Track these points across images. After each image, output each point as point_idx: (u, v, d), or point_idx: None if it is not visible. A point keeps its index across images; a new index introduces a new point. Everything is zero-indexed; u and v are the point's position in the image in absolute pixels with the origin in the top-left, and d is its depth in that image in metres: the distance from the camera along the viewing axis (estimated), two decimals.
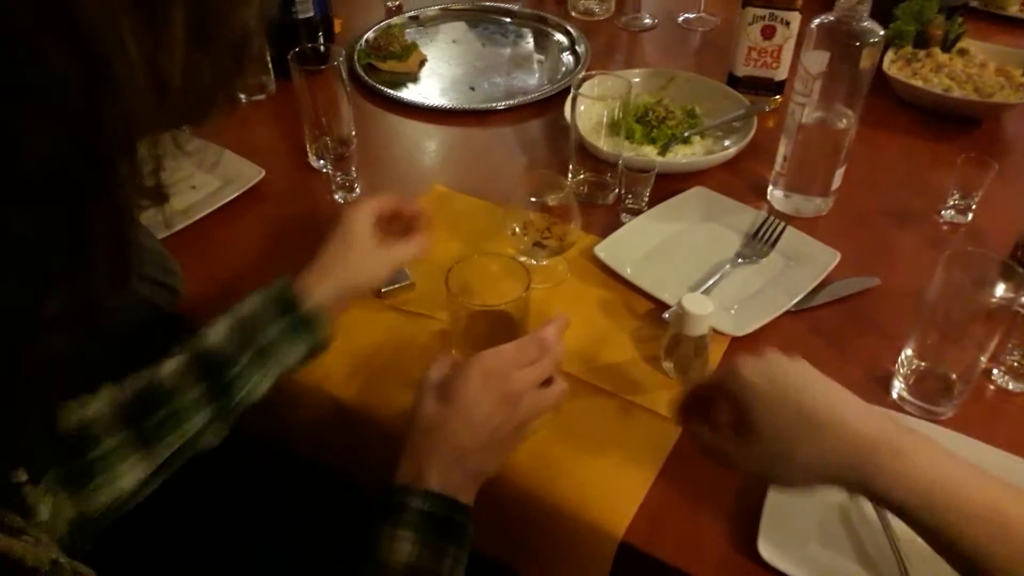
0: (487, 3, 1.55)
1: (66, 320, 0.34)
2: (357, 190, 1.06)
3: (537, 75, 1.35)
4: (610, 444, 0.74)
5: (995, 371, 0.82)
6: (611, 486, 0.70)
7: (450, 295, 0.79)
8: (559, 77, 1.33)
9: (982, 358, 0.76)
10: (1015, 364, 0.81)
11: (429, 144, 1.20)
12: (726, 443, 0.60)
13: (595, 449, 0.73)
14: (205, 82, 0.35)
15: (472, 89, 1.31)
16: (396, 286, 0.91)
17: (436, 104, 1.26)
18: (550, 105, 1.24)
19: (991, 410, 0.79)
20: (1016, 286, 0.74)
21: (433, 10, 1.52)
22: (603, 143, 1.04)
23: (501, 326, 0.80)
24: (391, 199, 0.84)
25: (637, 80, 1.21)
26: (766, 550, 0.64)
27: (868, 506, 0.68)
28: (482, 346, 0.78)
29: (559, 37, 1.46)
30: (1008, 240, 0.91)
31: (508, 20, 1.52)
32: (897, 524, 0.58)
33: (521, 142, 1.18)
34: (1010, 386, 0.81)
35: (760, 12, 1.19)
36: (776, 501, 0.67)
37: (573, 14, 1.52)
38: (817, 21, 0.97)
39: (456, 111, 1.24)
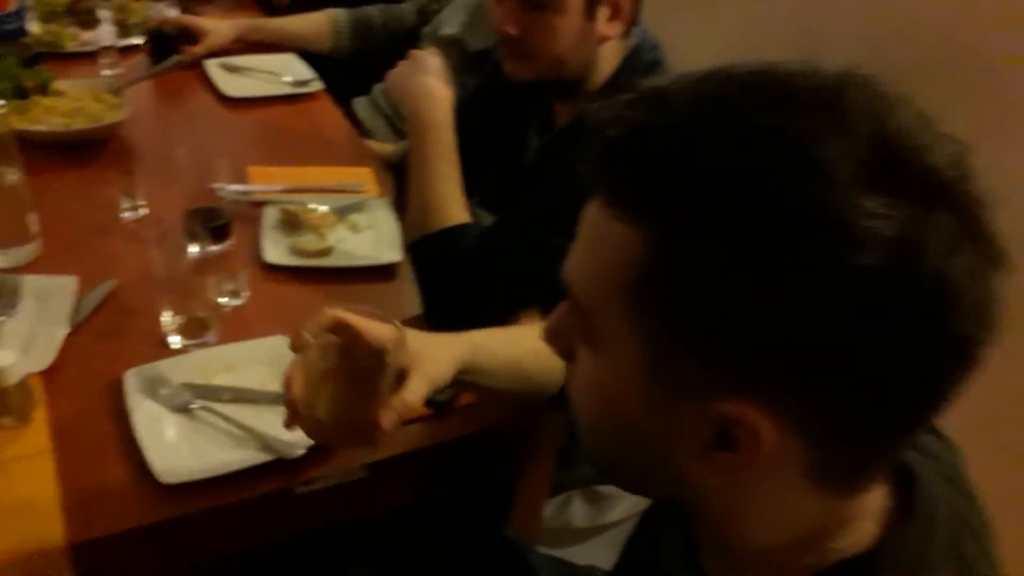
0: None
1: None
2: None
3: None
4: None
5: (222, 298, 1.18)
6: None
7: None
8: None
9: (211, 294, 1.11)
10: (231, 289, 1.18)
11: None
12: None
13: None
14: None
15: None
16: None
17: None
18: None
19: (236, 322, 1.15)
20: (200, 240, 1.10)
21: None
22: None
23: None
24: None
25: None
26: (165, 477, 0.89)
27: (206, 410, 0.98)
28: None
29: None
30: (179, 213, 1.26)
31: None
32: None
33: None
34: (236, 301, 1.18)
35: None
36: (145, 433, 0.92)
37: None
38: None
39: None
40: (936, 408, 0.48)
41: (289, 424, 0.79)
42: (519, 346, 0.93)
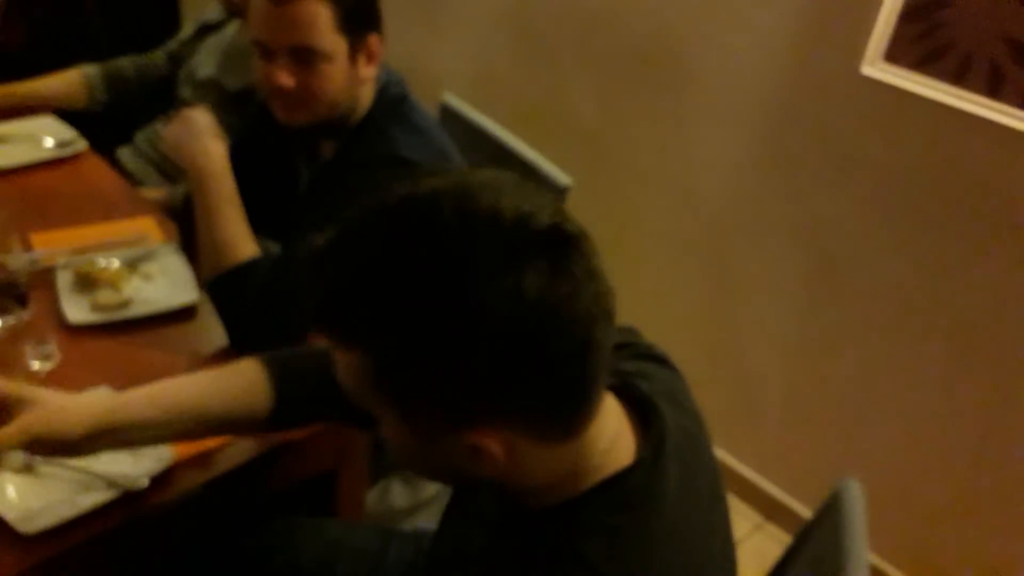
0: None
1: None
2: None
3: None
4: None
5: (34, 363, 1.25)
6: None
7: None
8: None
9: (24, 361, 1.20)
10: (42, 353, 1.26)
11: None
12: None
13: None
14: None
15: None
16: None
17: None
18: None
19: (53, 383, 1.23)
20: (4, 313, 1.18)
21: None
22: None
23: None
24: None
25: None
26: (23, 527, 0.99)
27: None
28: None
29: None
30: None
31: None
32: None
33: None
34: (49, 365, 1.27)
35: None
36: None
37: None
38: None
39: None
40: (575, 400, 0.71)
41: None
42: (195, 389, 1.02)
